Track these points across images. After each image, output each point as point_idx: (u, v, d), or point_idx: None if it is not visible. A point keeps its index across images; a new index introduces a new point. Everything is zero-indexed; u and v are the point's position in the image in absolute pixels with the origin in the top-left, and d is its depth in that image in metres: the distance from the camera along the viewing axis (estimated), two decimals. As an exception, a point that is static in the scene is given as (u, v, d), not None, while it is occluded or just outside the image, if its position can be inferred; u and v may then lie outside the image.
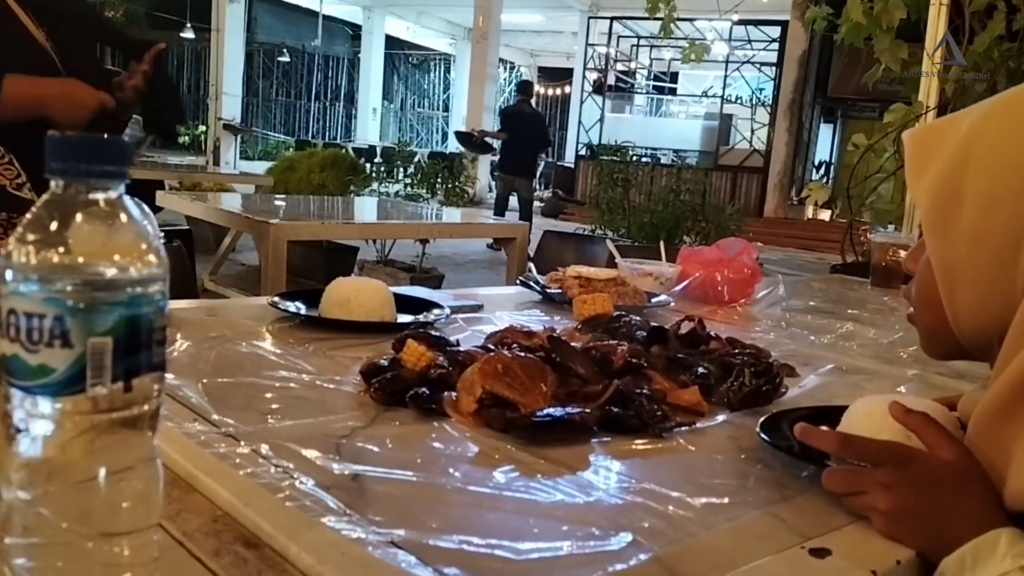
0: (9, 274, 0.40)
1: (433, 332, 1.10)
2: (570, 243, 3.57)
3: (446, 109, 22.16)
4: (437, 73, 22.90)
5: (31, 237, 0.41)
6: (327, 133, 20.69)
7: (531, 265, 1.88)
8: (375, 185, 9.32)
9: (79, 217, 0.41)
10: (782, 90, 13.18)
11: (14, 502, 0.41)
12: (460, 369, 0.92)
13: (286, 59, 19.42)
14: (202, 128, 16.85)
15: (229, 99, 14.93)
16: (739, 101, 14.94)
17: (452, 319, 1.34)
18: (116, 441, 0.42)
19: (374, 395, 0.90)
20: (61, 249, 0.40)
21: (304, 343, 1.13)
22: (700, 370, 1.01)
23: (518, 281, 1.73)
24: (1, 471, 0.42)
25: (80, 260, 0.40)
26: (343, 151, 9.15)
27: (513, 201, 9.23)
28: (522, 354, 0.94)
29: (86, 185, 0.42)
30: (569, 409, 0.84)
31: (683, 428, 0.89)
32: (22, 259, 0.40)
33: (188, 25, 16.43)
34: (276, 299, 1.33)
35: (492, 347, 1.03)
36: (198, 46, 18.09)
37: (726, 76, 14.38)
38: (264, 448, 0.73)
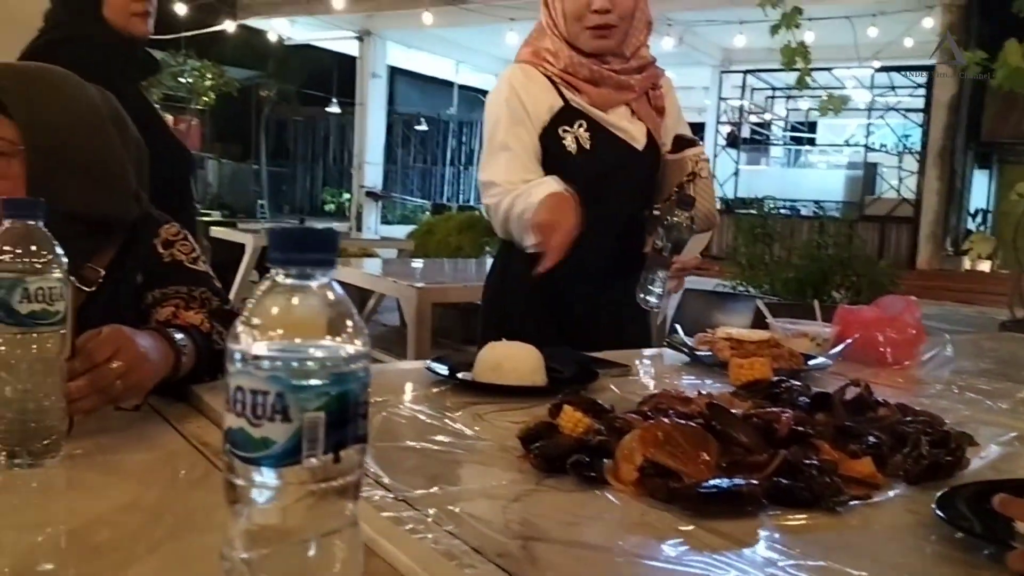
0: (237, 355, 0.45)
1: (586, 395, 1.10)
2: (712, 302, 3.49)
3: (577, 168, 22.35)
4: (568, 134, 23.21)
5: (256, 321, 0.45)
6: (461, 196, 21.36)
7: (677, 327, 1.86)
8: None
9: (296, 300, 0.46)
10: (931, 136, 12.52)
11: (237, 562, 0.45)
12: (618, 436, 0.92)
13: (423, 127, 20.32)
14: (346, 196, 17.82)
15: (371, 167, 15.72)
16: (884, 149, 14.30)
17: (601, 382, 1.34)
18: (325, 508, 0.45)
19: (534, 461, 0.91)
20: (281, 331, 0.44)
21: (460, 407, 1.16)
22: (871, 439, 0.96)
23: (665, 343, 1.71)
24: (225, 534, 0.46)
25: (298, 341, 0.44)
26: (478, 213, 9.44)
27: None
28: (682, 422, 0.93)
29: (302, 272, 0.46)
30: (736, 480, 0.82)
31: (857, 502, 0.84)
32: (248, 340, 0.44)
33: (334, 100, 17.65)
34: (431, 364, 1.38)
35: (649, 412, 1.02)
36: (342, 119, 19.28)
37: (869, 124, 13.85)
38: (435, 512, 0.75)
